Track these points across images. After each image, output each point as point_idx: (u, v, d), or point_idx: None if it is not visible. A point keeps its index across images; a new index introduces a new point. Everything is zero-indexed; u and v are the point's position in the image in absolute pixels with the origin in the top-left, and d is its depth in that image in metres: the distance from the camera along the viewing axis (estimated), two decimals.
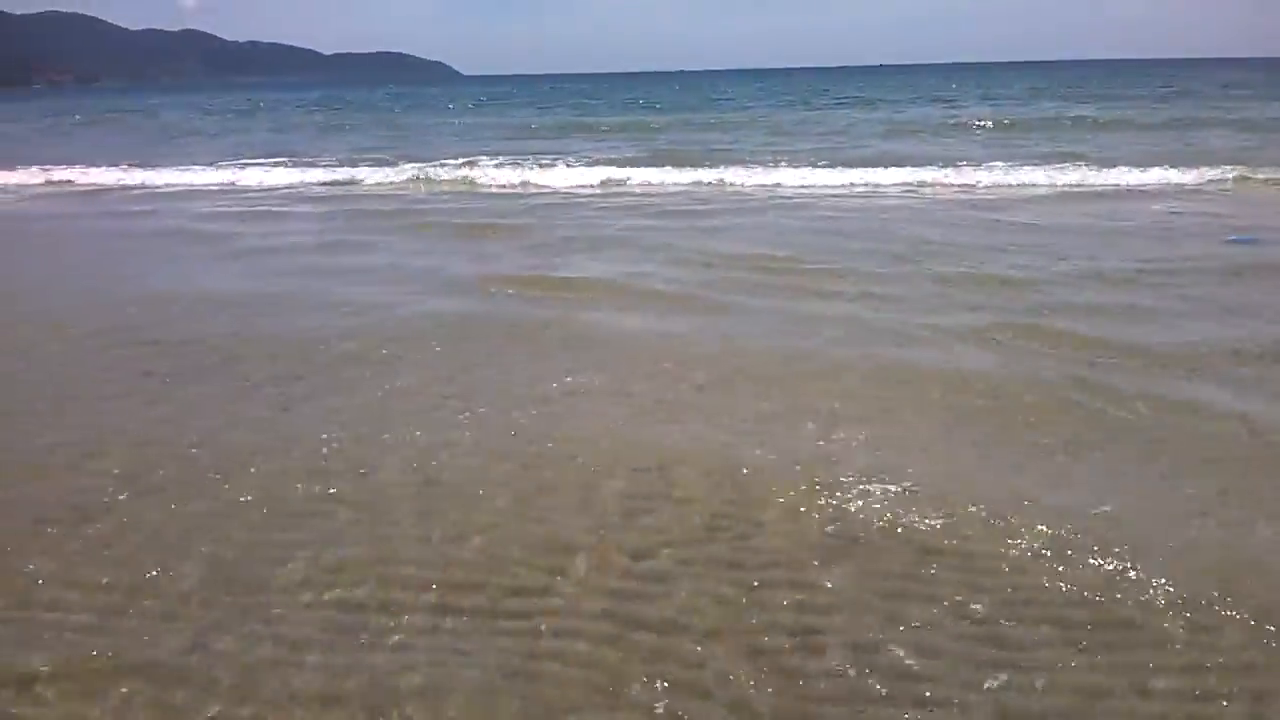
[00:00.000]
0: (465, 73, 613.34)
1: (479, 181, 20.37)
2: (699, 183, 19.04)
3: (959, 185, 17.66)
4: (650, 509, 4.52)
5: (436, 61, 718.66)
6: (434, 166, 22.41)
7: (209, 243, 13.08)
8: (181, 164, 25.46)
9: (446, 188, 19.92)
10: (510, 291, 9.34)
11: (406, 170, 22.21)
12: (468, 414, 5.81)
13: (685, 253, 11.24)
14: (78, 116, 60.46)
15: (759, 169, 20.47)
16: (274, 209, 16.86)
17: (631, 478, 4.86)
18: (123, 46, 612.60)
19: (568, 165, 22.52)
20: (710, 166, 21.10)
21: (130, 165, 24.77)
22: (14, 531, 4.43)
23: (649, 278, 9.81)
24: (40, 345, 7.66)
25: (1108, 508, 4.41)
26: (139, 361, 7.11)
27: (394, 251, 11.90)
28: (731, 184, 18.80)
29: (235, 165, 24.40)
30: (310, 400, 6.17)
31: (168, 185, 21.39)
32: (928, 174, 18.74)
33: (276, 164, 24.73)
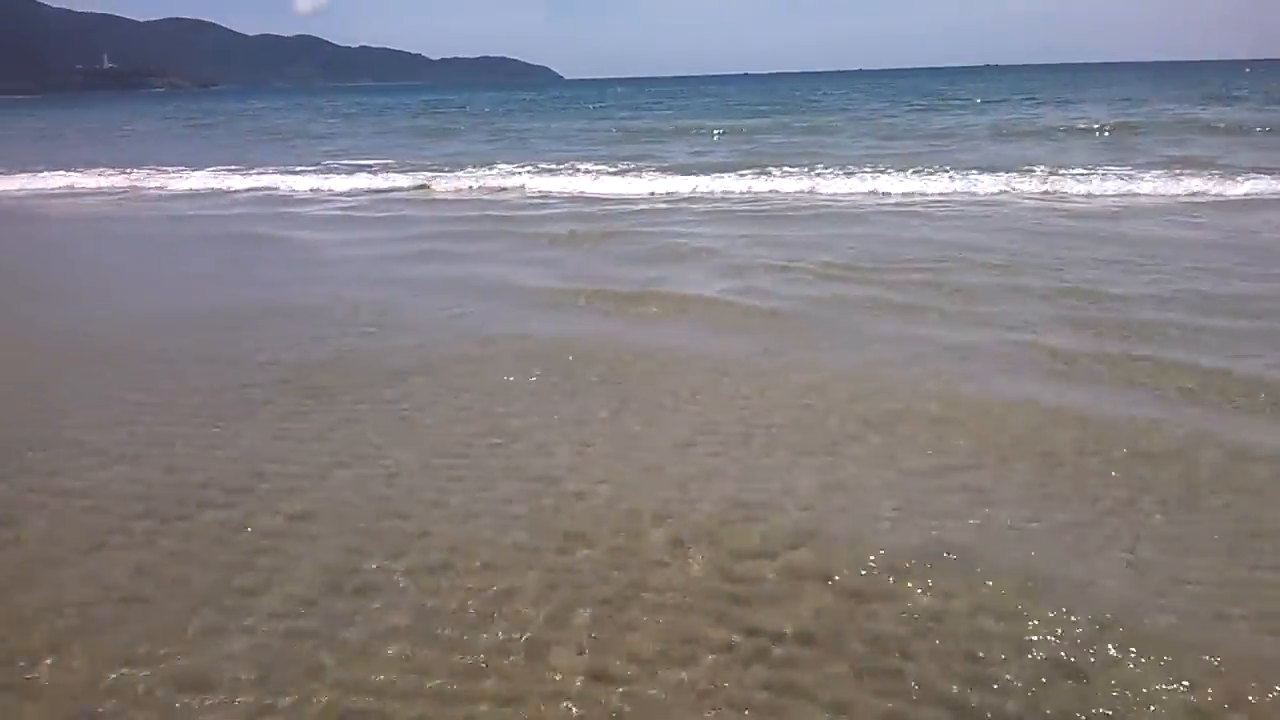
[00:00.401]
0: (567, 76, 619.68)
1: (575, 188, 20.31)
2: (798, 190, 18.71)
3: (1068, 193, 16.98)
4: (744, 532, 4.43)
5: (540, 66, 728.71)
6: (531, 173, 22.55)
7: (305, 251, 13.44)
8: (288, 166, 26.42)
9: (544, 194, 19.87)
10: (604, 307, 9.16)
11: (502, 176, 22.42)
12: (577, 442, 5.74)
13: (776, 263, 11.03)
14: (193, 119, 63.16)
15: (860, 174, 20.00)
16: (370, 214, 17.27)
17: (727, 509, 4.75)
18: (240, 51, 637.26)
19: (664, 170, 22.36)
20: (810, 171, 20.79)
21: (237, 168, 25.69)
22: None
23: (742, 291, 9.63)
24: (140, 365, 7.86)
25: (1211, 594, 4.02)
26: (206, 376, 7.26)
27: (488, 260, 11.92)
28: (832, 191, 18.46)
29: (340, 170, 24.96)
30: (403, 419, 6.21)
31: (272, 189, 22.08)
32: (1036, 181, 18.02)
33: (378, 167, 25.23)
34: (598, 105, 67.92)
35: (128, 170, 26.12)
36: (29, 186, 24.32)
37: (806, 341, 7.72)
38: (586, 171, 22.58)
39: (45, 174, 26.03)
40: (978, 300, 8.97)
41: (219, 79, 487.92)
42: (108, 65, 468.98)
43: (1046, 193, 17.13)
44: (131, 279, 11.53)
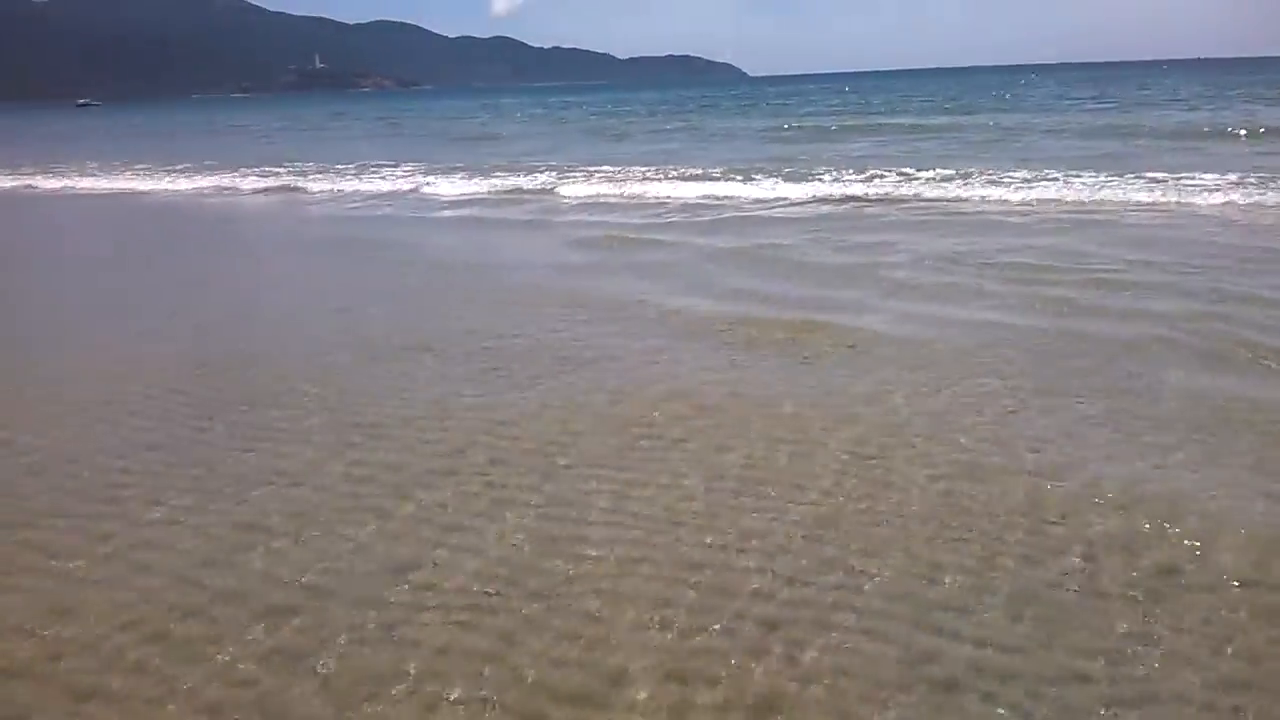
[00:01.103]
0: (751, 74, 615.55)
1: (746, 193, 19.74)
2: (981, 195, 17.66)
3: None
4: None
5: (724, 63, 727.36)
6: (701, 178, 22.25)
7: (473, 255, 13.73)
8: (473, 163, 27.74)
9: (714, 197, 19.40)
10: (779, 336, 8.38)
11: (671, 182, 21.83)
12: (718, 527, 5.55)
13: (948, 281, 10.44)
14: (392, 118, 67.08)
15: (1050, 180, 18.68)
16: (531, 218, 17.52)
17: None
18: (440, 53, 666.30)
19: (841, 171, 21.66)
20: (997, 173, 19.83)
21: (421, 168, 27.35)
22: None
23: (918, 321, 9.06)
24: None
25: None
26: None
27: (653, 275, 11.45)
28: (1023, 198, 17.14)
29: (520, 170, 25.52)
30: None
31: (470, 194, 22.55)
32: (1247, 193, 16.16)
33: (554, 170, 25.43)
34: (778, 103, 66.92)
35: (330, 167, 28.45)
36: (235, 184, 26.27)
37: (1015, 399, 6.62)
38: (758, 174, 21.99)
39: (247, 172, 28.41)
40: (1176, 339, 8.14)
41: (421, 79, 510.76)
42: (319, 65, 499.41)
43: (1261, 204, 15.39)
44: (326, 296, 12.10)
